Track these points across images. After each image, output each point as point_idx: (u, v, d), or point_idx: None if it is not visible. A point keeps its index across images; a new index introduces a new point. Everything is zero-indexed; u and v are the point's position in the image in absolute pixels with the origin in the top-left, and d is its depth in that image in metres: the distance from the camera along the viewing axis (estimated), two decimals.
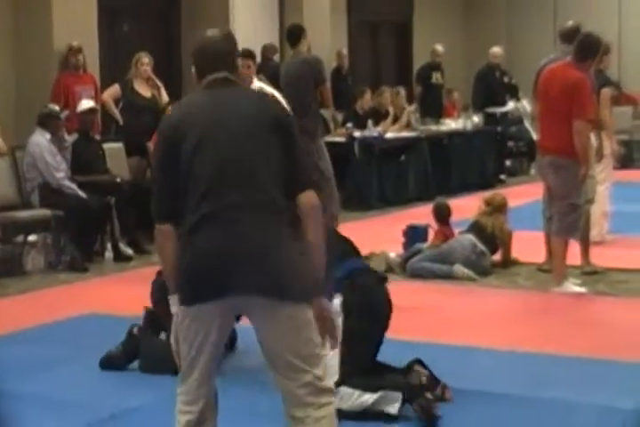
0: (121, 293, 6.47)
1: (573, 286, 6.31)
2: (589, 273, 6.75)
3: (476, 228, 7.09)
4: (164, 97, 8.84)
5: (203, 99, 2.91)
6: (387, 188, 10.32)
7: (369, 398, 3.94)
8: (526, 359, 4.82)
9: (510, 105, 12.68)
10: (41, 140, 7.55)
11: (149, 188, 8.50)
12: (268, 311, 2.73)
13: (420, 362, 4.22)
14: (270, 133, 2.81)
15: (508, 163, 12.86)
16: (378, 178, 10.19)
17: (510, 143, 12.87)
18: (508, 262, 7.16)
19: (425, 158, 10.89)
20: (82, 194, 7.49)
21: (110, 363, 4.74)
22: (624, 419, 3.96)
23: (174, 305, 2.83)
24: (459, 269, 6.78)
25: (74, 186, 7.53)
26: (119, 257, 7.66)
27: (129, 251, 7.75)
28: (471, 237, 6.98)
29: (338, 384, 3.96)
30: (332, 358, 3.91)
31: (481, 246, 6.95)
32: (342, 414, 3.68)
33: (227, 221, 2.71)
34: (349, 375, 4.00)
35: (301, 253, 2.75)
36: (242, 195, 2.73)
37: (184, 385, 2.86)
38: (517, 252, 7.16)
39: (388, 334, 4.90)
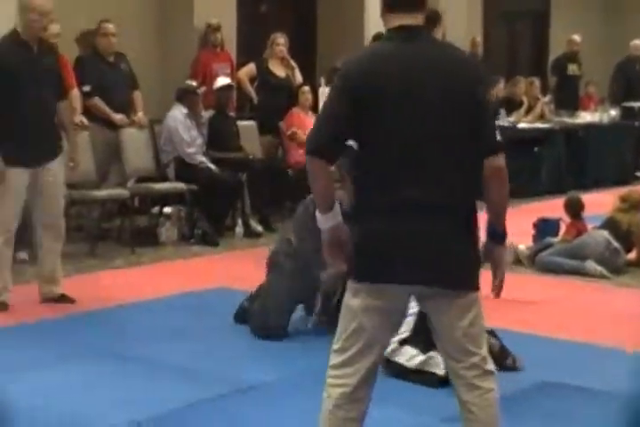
0: (250, 269, 6.55)
1: None
2: None
3: (610, 224, 6.89)
4: (298, 78, 8.91)
5: (391, 58, 2.78)
6: (519, 179, 10.12)
7: (421, 357, 4.19)
8: None
9: None
10: (177, 114, 7.72)
11: (281, 167, 8.72)
12: (446, 301, 2.81)
13: (491, 332, 4.21)
14: (464, 104, 2.77)
15: None
16: (509, 168, 9.97)
17: None
18: None
19: (559, 151, 10.64)
20: (215, 169, 7.62)
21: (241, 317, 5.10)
22: None
23: (323, 223, 2.80)
24: (591, 265, 6.60)
25: (206, 160, 7.65)
26: (249, 233, 7.77)
27: (259, 228, 7.86)
28: (605, 234, 6.79)
29: (404, 342, 4.25)
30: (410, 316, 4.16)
31: (615, 244, 6.75)
32: (400, 370, 4.19)
33: (423, 214, 2.73)
34: (416, 333, 4.19)
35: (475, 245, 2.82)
36: (434, 191, 2.74)
37: (339, 358, 2.84)
38: None
39: (512, 326, 4.83)
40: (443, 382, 3.94)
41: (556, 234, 7.17)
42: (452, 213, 2.76)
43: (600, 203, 7.59)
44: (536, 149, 10.45)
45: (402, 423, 3.76)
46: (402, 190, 2.72)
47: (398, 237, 2.73)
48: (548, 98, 11.63)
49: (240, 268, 6.62)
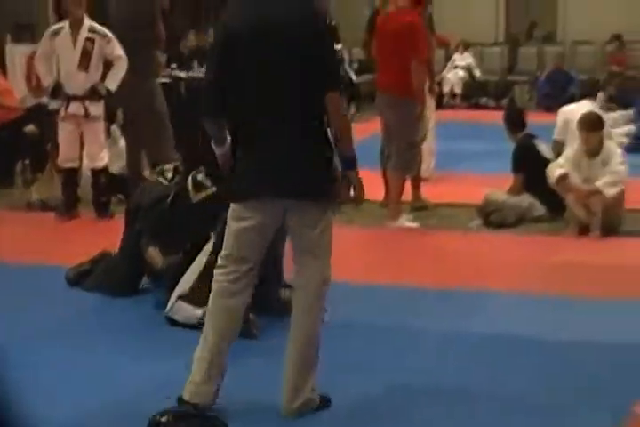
0: None
1: (407, 222, 6.57)
2: (420, 208, 7.02)
3: None
4: None
5: (249, 10, 3.30)
6: None
7: (199, 312, 4.19)
8: (363, 290, 4.98)
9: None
10: None
11: None
12: (301, 212, 3.35)
13: (287, 285, 4.32)
14: (309, 46, 3.26)
15: None
16: None
17: None
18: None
19: None
20: None
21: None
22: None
23: (219, 151, 3.46)
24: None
25: None
26: None
27: None
28: None
29: (180, 297, 4.34)
30: (193, 269, 4.35)
31: None
32: (177, 325, 4.30)
33: (271, 142, 3.30)
34: (199, 293, 4.20)
35: (325, 162, 3.35)
36: (280, 122, 3.29)
37: (223, 257, 3.40)
38: None
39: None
40: None
41: None
42: (297, 138, 3.31)
43: None
44: None
45: None
46: (254, 122, 3.31)
47: (255, 161, 3.33)
48: None
49: None
